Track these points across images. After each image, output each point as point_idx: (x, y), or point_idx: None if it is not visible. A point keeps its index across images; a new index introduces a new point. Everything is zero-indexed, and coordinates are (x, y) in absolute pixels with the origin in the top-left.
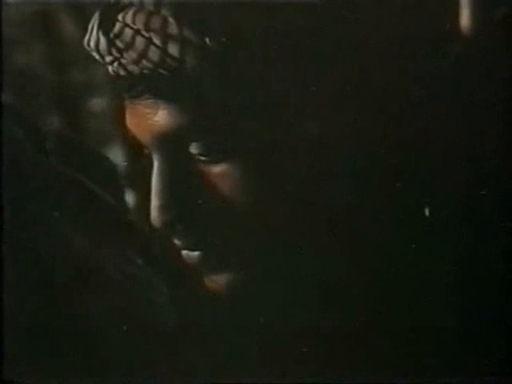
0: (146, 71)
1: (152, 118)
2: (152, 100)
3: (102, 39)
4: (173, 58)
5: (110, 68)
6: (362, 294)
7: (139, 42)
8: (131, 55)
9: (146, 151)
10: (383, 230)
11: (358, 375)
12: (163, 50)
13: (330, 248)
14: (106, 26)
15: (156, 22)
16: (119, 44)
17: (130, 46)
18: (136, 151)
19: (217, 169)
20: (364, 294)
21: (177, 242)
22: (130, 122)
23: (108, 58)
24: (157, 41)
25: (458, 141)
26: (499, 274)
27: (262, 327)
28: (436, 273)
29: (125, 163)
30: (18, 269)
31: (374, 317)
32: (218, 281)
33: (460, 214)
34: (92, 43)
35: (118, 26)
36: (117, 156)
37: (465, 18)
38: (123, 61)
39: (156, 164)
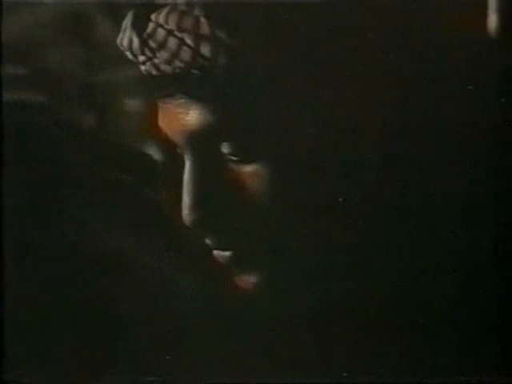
0: (178, 71)
1: (184, 117)
2: (184, 100)
3: (135, 39)
4: (205, 58)
5: (142, 68)
6: (366, 294)
7: (172, 42)
8: (164, 55)
9: (178, 150)
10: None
11: (358, 375)
12: (195, 50)
13: (358, 249)
14: (139, 26)
15: (188, 23)
16: (152, 44)
17: (162, 45)
18: (169, 151)
19: (248, 168)
20: (368, 294)
21: (208, 241)
22: (162, 121)
23: (141, 58)
24: (189, 41)
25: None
26: (497, 273)
27: (290, 326)
28: (434, 273)
29: (158, 163)
30: (18, 269)
31: (373, 317)
32: (247, 280)
33: (460, 213)
34: (125, 43)
35: (151, 26)
36: (150, 155)
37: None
38: (156, 60)
39: (188, 163)
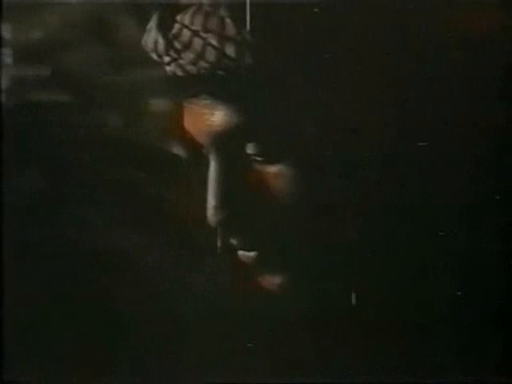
0: (203, 72)
1: (209, 118)
2: (209, 100)
3: (161, 40)
4: (230, 58)
5: (167, 68)
6: (371, 295)
7: (197, 42)
8: (189, 56)
9: (203, 151)
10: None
11: (358, 375)
12: (220, 51)
13: (383, 249)
14: (164, 27)
15: (213, 23)
16: (177, 45)
17: (187, 46)
18: (194, 151)
19: (273, 169)
20: (370, 295)
21: (233, 241)
22: (187, 122)
23: (166, 59)
24: (214, 42)
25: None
26: (499, 274)
27: (313, 325)
28: (434, 273)
29: (183, 163)
30: (18, 269)
31: (374, 317)
32: (272, 280)
33: (460, 213)
34: (150, 44)
35: (176, 27)
36: (175, 155)
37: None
38: (181, 61)
39: (213, 164)
